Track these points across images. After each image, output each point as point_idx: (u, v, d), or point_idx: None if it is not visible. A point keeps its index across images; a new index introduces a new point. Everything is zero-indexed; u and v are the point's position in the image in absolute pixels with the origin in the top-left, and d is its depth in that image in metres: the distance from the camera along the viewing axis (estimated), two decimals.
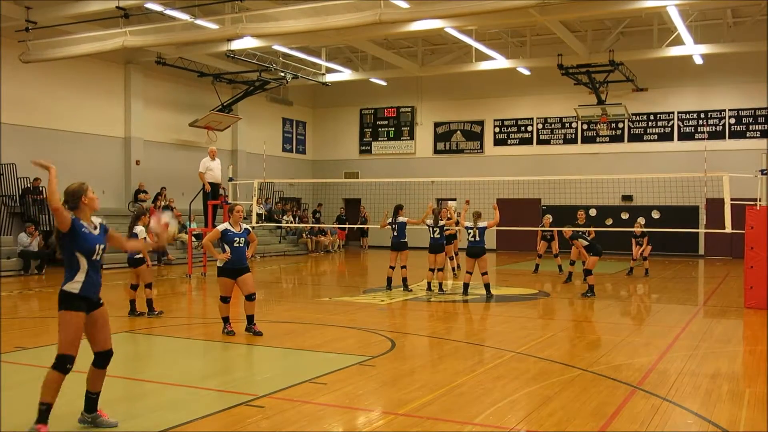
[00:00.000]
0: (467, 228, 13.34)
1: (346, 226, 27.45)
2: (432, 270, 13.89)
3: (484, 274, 13.11)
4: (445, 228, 14.04)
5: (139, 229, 10.47)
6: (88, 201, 5.24)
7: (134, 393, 6.45)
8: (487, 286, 13.06)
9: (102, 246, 5.25)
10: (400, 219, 13.93)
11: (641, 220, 21.49)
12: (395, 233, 13.94)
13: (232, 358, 8.23)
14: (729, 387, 6.69)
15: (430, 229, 13.78)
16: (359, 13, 14.79)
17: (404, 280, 13.93)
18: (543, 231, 18.31)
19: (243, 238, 9.00)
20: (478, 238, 13.12)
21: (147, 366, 7.85)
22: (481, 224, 13.12)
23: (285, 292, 14.74)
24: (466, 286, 13.38)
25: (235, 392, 6.30)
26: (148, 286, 10.69)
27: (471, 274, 13.36)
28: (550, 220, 18.61)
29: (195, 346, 9.04)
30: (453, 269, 17.43)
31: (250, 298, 9.04)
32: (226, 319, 9.17)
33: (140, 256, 10.63)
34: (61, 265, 5.23)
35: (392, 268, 14.15)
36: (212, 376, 7.30)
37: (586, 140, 26.77)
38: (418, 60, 25.79)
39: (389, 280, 14.15)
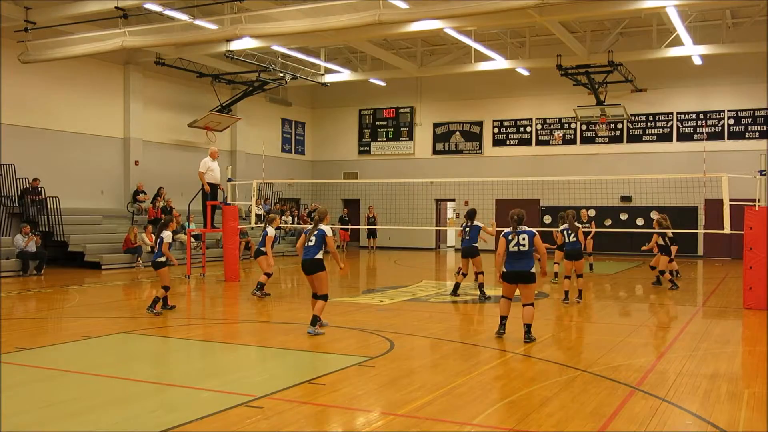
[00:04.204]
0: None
1: (349, 226, 27.41)
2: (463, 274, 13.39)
3: (480, 273, 13.09)
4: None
5: (167, 234, 11.14)
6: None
7: (133, 393, 6.44)
8: (480, 286, 13.06)
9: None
10: (476, 223, 13.05)
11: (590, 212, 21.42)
12: (467, 237, 13.01)
13: (231, 359, 8.23)
14: (728, 387, 6.69)
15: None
16: (358, 13, 14.79)
17: (480, 286, 13.13)
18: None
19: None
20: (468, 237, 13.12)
21: (146, 366, 7.83)
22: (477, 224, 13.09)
23: (284, 293, 14.72)
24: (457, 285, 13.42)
25: (234, 393, 6.29)
26: (165, 288, 11.25)
27: (465, 275, 13.40)
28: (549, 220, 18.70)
29: (194, 346, 9.04)
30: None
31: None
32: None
33: (163, 259, 11.15)
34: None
35: (464, 275, 13.32)
36: (211, 376, 7.30)
37: (585, 141, 26.80)
38: (417, 60, 25.79)
39: (456, 285, 13.45)
